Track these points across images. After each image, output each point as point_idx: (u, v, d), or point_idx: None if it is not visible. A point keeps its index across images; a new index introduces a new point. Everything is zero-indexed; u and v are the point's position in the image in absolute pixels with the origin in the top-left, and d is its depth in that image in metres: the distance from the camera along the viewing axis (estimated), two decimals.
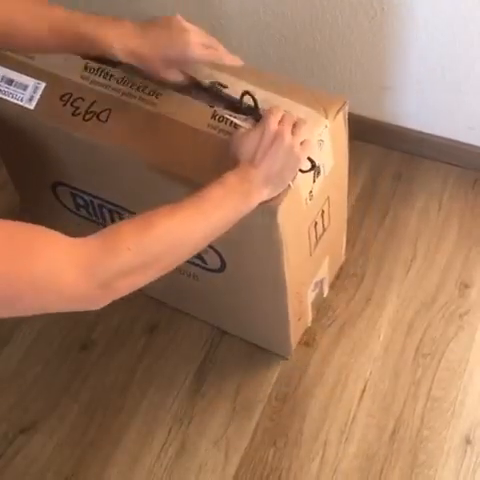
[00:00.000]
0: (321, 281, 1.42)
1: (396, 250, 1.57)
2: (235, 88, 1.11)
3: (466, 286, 1.50)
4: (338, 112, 1.14)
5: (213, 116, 1.10)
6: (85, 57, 1.17)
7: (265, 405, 1.36)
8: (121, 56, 1.02)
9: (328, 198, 1.25)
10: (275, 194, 1.01)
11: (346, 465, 1.28)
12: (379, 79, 1.63)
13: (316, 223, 1.24)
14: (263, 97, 1.09)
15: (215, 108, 1.11)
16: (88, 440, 1.35)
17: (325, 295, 1.49)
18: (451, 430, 1.30)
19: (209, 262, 1.27)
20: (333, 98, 1.15)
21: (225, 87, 1.12)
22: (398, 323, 1.45)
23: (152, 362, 1.44)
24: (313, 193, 1.14)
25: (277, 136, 0.98)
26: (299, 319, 1.38)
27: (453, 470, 1.26)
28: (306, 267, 1.31)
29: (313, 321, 1.46)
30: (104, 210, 1.33)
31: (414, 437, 1.30)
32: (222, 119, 1.09)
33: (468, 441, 1.29)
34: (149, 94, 1.14)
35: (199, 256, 1.26)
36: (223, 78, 1.13)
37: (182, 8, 1.67)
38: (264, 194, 0.99)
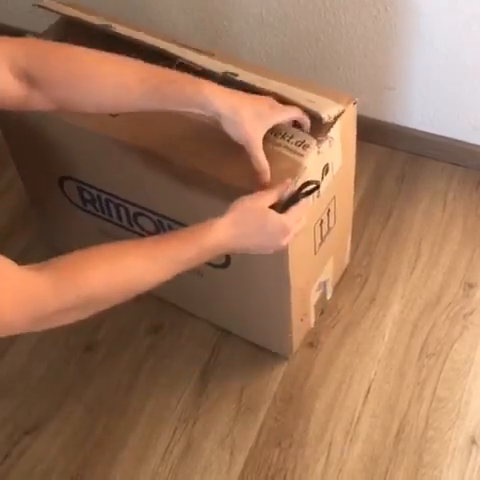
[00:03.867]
0: (325, 282, 1.42)
1: (400, 250, 1.57)
2: (246, 77, 1.13)
3: (471, 286, 1.50)
4: (349, 103, 1.15)
5: None
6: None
7: (270, 405, 1.36)
8: (219, 106, 1.01)
9: (334, 197, 1.25)
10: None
11: (351, 466, 1.28)
12: (383, 79, 1.63)
13: (322, 221, 1.25)
14: (276, 85, 1.11)
15: None
16: (93, 441, 1.35)
17: (329, 297, 1.49)
18: (456, 430, 1.30)
19: None
20: (342, 93, 1.17)
21: (236, 75, 1.14)
22: (403, 323, 1.45)
23: (157, 363, 1.44)
24: (321, 191, 1.15)
25: (287, 232, 1.03)
26: (301, 319, 1.38)
27: (458, 471, 1.26)
28: (310, 265, 1.32)
29: (317, 322, 1.46)
30: (110, 205, 1.34)
31: (419, 437, 1.30)
32: None
33: (473, 441, 1.29)
34: None
35: None
36: (235, 69, 1.16)
37: (186, 10, 1.68)
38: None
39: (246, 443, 1.32)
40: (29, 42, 0.99)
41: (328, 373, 1.40)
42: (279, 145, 1.09)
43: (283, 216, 1.02)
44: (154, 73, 1.01)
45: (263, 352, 1.43)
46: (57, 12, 1.30)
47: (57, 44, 0.99)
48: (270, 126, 1.06)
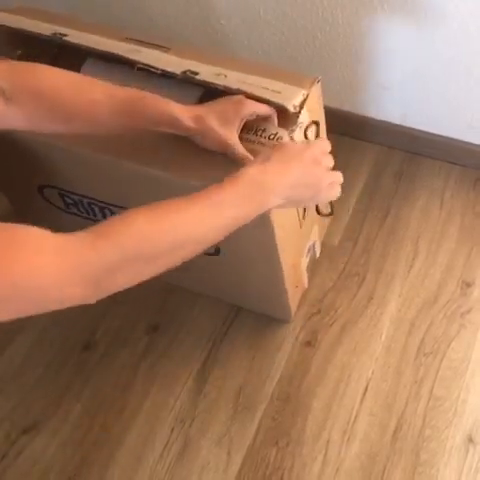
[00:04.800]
0: (313, 245, 1.46)
1: (398, 249, 1.57)
2: (207, 74, 1.13)
3: (468, 285, 1.50)
4: (313, 84, 1.16)
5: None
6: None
7: (267, 404, 1.37)
8: (189, 123, 1.03)
9: None
10: (285, 207, 0.99)
11: (348, 464, 1.28)
12: (380, 78, 1.62)
13: None
14: (235, 78, 1.12)
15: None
16: (91, 440, 1.35)
17: (318, 256, 1.53)
18: (453, 429, 1.31)
19: None
20: (306, 76, 1.18)
21: (196, 74, 1.14)
22: (400, 322, 1.45)
23: (154, 362, 1.44)
24: None
25: (318, 162, 1.00)
26: (297, 286, 1.43)
27: (455, 469, 1.26)
28: (298, 239, 1.35)
29: (315, 320, 1.47)
30: (94, 207, 1.35)
31: (416, 436, 1.30)
32: None
33: (470, 440, 1.29)
34: None
35: None
36: (194, 65, 1.15)
37: (183, 9, 1.67)
38: (278, 200, 0.95)
39: (243, 442, 1.32)
40: (4, 61, 0.99)
41: (325, 372, 1.40)
42: (253, 142, 1.10)
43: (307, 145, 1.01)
44: (123, 90, 1.03)
45: (261, 352, 1.43)
46: (4, 26, 1.25)
47: (30, 64, 1.00)
48: (240, 124, 1.08)
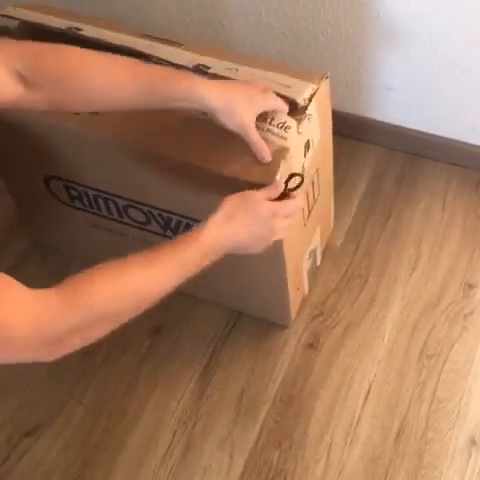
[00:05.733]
0: (315, 250, 1.47)
1: (400, 251, 1.57)
2: (218, 68, 1.16)
3: (470, 287, 1.50)
4: (322, 79, 1.19)
5: None
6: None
7: (270, 407, 1.36)
8: (217, 102, 1.03)
9: (317, 169, 1.29)
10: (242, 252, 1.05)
11: (351, 467, 1.28)
12: (382, 80, 1.62)
13: (308, 194, 1.28)
14: (246, 72, 1.14)
15: None
16: (93, 443, 1.35)
17: (318, 263, 1.53)
18: (456, 431, 1.30)
19: None
20: (315, 71, 1.21)
21: (209, 68, 1.16)
22: (402, 324, 1.45)
23: (156, 364, 1.44)
24: (305, 167, 1.19)
25: (278, 221, 1.04)
26: (298, 289, 1.42)
27: (458, 472, 1.26)
28: (302, 238, 1.35)
29: (318, 322, 1.47)
30: (99, 200, 1.35)
31: (419, 439, 1.30)
32: None
33: (473, 442, 1.29)
34: None
35: None
36: (206, 60, 1.18)
37: (185, 10, 1.67)
38: (229, 250, 1.02)
39: (246, 445, 1.32)
40: (24, 44, 1.00)
41: (328, 374, 1.39)
42: (262, 129, 1.12)
43: (271, 202, 1.04)
44: (145, 70, 1.03)
45: (262, 354, 1.43)
46: (21, 20, 1.29)
47: (51, 45, 0.99)
48: (262, 110, 1.10)
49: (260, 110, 1.09)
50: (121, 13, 1.74)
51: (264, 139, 1.09)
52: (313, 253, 1.46)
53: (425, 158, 1.73)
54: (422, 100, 1.63)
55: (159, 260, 0.92)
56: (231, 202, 1.01)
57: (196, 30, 1.70)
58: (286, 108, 1.13)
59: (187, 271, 0.95)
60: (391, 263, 1.55)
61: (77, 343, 0.84)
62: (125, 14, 1.73)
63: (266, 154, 1.08)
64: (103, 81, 1.00)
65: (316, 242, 1.46)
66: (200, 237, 0.96)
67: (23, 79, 0.95)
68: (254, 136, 1.07)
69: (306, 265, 1.43)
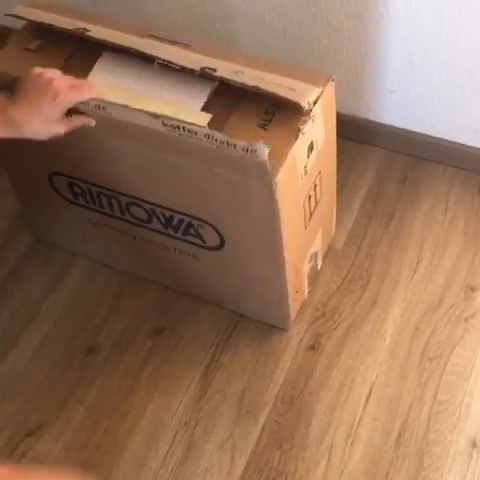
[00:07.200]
0: (315, 254, 1.46)
1: (402, 253, 1.57)
2: (224, 71, 1.15)
3: (472, 289, 1.50)
4: (328, 81, 1.20)
5: None
6: None
7: (271, 408, 1.36)
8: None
9: (320, 172, 1.29)
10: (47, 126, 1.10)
11: (352, 468, 1.28)
12: (385, 82, 1.63)
13: (310, 197, 1.28)
14: (252, 75, 1.14)
15: None
16: (94, 444, 1.35)
17: (319, 268, 1.53)
18: (457, 433, 1.30)
19: (207, 239, 1.30)
20: (321, 73, 1.22)
21: (214, 70, 1.16)
22: (404, 326, 1.45)
23: (158, 365, 1.44)
24: (308, 168, 1.20)
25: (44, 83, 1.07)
26: (297, 292, 1.42)
27: (459, 474, 1.26)
28: (302, 240, 1.35)
29: (319, 324, 1.47)
30: (102, 196, 1.36)
31: (420, 441, 1.30)
32: None
33: (474, 444, 1.29)
34: None
35: (198, 234, 1.29)
36: (212, 62, 1.17)
37: (187, 11, 1.68)
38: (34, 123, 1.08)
39: (247, 446, 1.32)
40: None
41: (329, 376, 1.40)
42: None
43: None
44: None
45: (264, 355, 1.43)
46: (31, 20, 1.28)
47: None
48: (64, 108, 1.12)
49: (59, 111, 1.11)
50: (125, 12, 1.74)
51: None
52: (314, 256, 1.46)
53: (427, 161, 1.73)
54: (424, 103, 1.63)
55: None
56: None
57: (198, 31, 1.70)
58: (92, 94, 1.14)
59: None
60: (393, 265, 1.55)
61: None
62: (127, 15, 1.73)
63: (86, 120, 1.14)
64: None
65: (317, 245, 1.45)
66: None
67: None
68: (61, 129, 1.12)
69: (306, 268, 1.43)
